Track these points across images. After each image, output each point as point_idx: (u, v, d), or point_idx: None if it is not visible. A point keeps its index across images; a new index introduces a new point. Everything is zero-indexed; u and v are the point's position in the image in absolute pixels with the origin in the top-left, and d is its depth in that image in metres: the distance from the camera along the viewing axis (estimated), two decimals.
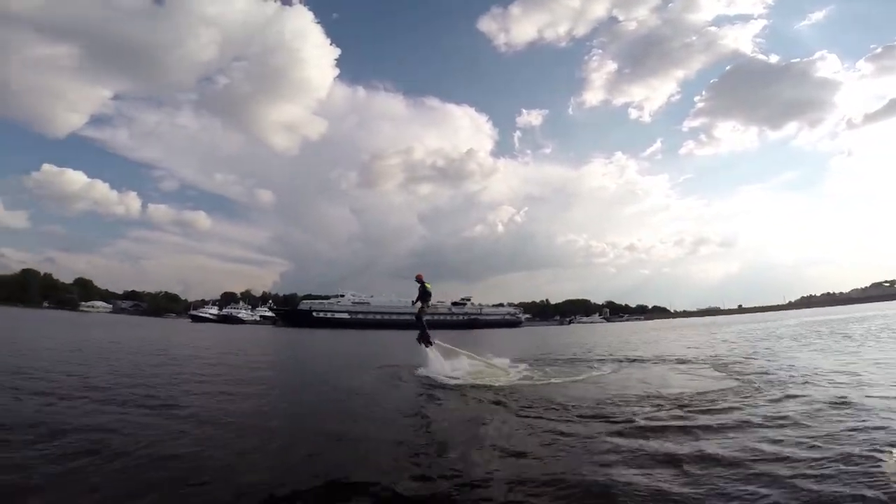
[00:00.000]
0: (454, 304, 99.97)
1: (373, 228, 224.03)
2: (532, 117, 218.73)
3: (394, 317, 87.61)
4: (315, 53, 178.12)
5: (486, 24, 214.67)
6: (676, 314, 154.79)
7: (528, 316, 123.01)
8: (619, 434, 5.36)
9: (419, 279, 11.68)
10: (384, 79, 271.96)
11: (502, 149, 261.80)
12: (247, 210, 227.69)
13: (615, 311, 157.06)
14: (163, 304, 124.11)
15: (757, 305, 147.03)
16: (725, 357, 13.79)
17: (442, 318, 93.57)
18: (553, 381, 10.06)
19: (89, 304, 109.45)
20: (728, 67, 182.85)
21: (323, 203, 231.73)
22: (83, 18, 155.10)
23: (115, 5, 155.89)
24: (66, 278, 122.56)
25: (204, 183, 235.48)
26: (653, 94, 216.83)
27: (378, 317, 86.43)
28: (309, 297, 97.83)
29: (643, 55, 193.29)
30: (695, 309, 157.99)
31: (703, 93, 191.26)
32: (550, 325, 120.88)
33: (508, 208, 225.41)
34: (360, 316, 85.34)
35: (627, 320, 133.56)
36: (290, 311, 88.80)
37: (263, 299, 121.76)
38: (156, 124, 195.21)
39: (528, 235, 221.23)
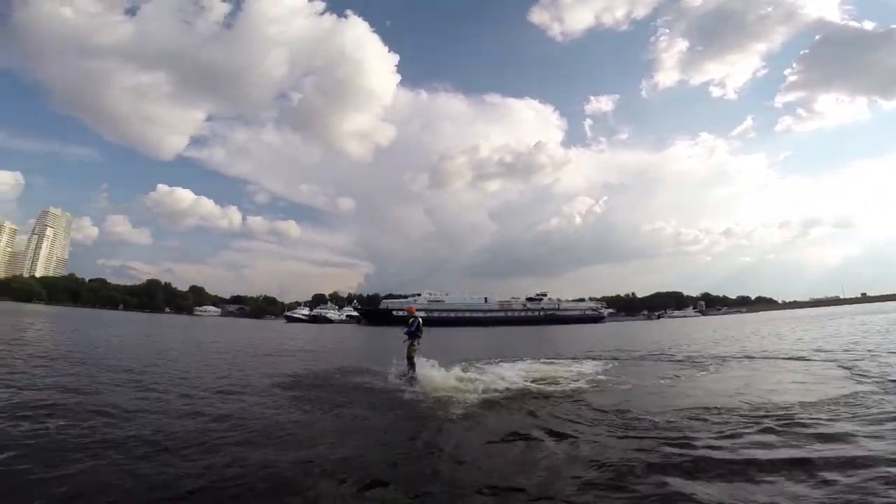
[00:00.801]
0: (529, 299, 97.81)
1: (445, 227, 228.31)
2: (602, 103, 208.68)
3: (466, 314, 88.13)
4: (375, 62, 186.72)
5: (538, 16, 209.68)
6: (785, 305, 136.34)
7: (611, 311, 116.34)
8: (682, 472, 3.92)
9: (410, 313, 10.37)
10: (443, 80, 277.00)
11: (573, 138, 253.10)
12: (330, 217, 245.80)
13: (712, 304, 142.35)
14: (262, 307, 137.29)
15: (887, 293, 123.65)
16: (849, 354, 11.62)
17: (516, 314, 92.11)
18: (622, 386, 8.74)
19: (202, 308, 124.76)
20: (818, 37, 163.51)
21: (398, 206, 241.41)
22: (166, 46, 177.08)
23: (190, 31, 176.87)
24: (182, 286, 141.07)
25: (292, 194, 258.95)
26: (733, 71, 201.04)
27: (452, 314, 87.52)
28: (390, 296, 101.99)
29: (715, 31, 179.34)
30: (808, 299, 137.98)
31: (794, 65, 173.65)
32: (637, 320, 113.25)
33: (585, 199, 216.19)
34: (435, 314, 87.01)
35: (726, 313, 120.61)
36: (371, 311, 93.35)
37: (349, 300, 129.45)
38: (245, 142, 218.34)
39: (610, 225, 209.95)
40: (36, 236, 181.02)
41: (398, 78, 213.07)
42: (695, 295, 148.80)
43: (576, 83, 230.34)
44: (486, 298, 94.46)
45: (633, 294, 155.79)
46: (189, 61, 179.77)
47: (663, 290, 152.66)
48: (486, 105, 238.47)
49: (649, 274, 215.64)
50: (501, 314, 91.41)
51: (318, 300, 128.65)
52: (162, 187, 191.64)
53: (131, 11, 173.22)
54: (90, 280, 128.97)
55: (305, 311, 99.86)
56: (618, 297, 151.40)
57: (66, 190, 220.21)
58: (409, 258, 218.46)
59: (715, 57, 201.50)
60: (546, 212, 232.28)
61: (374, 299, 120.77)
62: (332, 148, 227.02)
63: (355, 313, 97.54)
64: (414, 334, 9.87)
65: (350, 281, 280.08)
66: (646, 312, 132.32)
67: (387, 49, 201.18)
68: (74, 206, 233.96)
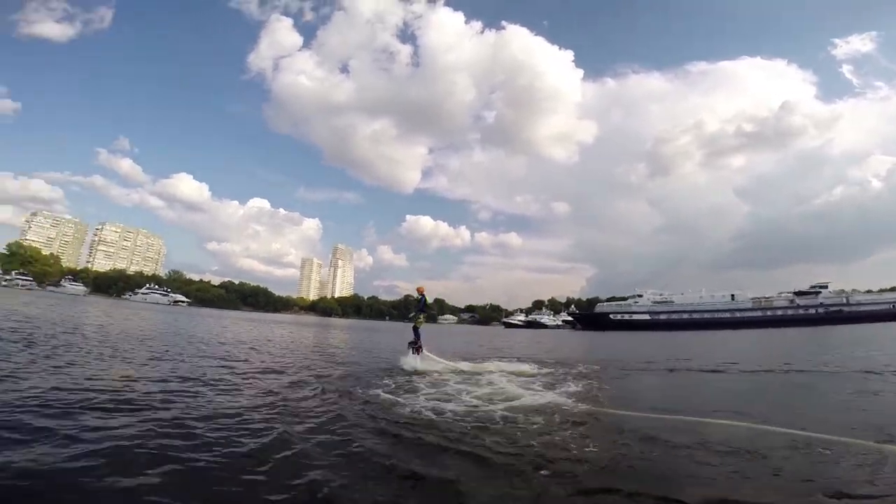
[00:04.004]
0: (798, 294, 76.42)
1: (678, 217, 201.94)
2: (855, 44, 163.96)
3: (706, 316, 75.59)
4: (549, 62, 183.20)
5: None
6: None
7: None
8: None
9: (419, 292, 12.61)
10: (628, 61, 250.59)
11: (833, 90, 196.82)
12: (546, 223, 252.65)
13: None
14: (489, 314, 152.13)
15: None
16: None
17: (778, 314, 73.22)
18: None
19: (443, 317, 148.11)
20: None
21: (616, 201, 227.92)
22: (380, 94, 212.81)
23: (391, 77, 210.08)
24: (431, 299, 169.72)
25: (508, 206, 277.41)
26: None
27: (684, 316, 76.71)
28: (612, 299, 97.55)
29: None
30: None
31: None
32: None
33: (881, 157, 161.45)
34: (661, 316, 78.11)
35: None
36: (586, 315, 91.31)
37: (567, 304, 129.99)
38: (460, 166, 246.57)
39: None
40: (332, 268, 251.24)
41: (580, 73, 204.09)
42: None
43: (806, 28, 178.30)
44: (733, 296, 79.02)
45: None
46: (400, 103, 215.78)
47: None
48: (693, 75, 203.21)
49: None
50: (757, 314, 74.64)
51: (537, 306, 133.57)
52: (409, 217, 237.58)
53: (344, 70, 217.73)
54: (368, 298, 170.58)
55: (521, 318, 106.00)
56: None
57: (347, 228, 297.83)
58: (637, 256, 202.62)
59: None
60: (822, 181, 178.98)
61: (593, 303, 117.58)
62: (535, 155, 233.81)
63: (570, 318, 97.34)
64: (421, 310, 12.19)
65: (573, 285, 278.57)
66: None
67: (556, 47, 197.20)
68: (354, 241, 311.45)
